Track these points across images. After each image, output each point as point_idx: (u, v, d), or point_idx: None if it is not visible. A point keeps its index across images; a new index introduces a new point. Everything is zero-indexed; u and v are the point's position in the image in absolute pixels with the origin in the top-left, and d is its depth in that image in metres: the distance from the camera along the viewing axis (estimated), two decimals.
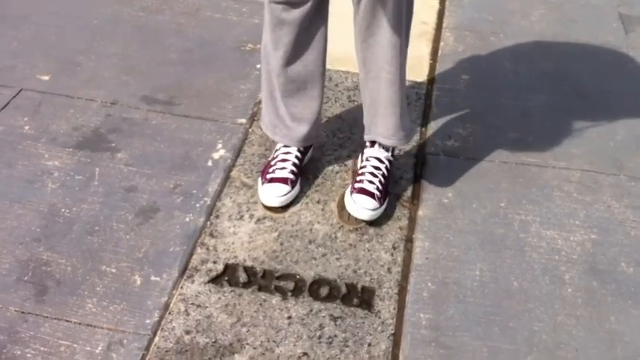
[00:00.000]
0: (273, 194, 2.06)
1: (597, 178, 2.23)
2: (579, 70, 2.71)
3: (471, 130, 2.40)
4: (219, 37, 2.82)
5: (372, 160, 2.10)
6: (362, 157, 2.14)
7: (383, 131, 2.03)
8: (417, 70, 2.67)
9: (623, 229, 2.06)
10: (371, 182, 2.04)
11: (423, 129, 2.40)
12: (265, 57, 1.98)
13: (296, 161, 2.12)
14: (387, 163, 2.10)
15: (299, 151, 2.13)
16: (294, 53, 1.91)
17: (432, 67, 2.71)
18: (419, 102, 2.51)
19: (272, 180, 2.07)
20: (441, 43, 2.84)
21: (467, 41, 2.86)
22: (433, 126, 2.41)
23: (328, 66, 2.04)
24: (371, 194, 2.02)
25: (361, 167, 2.10)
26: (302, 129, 2.07)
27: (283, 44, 1.88)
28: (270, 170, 2.09)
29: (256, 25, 2.91)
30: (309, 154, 2.22)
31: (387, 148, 2.11)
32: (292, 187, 2.08)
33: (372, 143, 2.12)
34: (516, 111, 2.49)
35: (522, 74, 2.68)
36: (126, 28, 2.86)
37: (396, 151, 2.19)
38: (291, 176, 2.09)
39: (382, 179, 2.06)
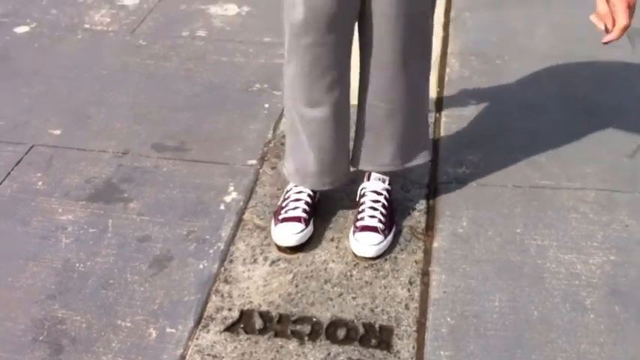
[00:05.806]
0: (289, 232, 2.03)
1: (612, 197, 2.19)
2: (587, 87, 2.69)
3: (482, 155, 2.38)
4: (228, 80, 2.84)
5: (369, 194, 2.09)
6: (359, 192, 2.14)
7: (378, 159, 2.03)
8: None
9: None
10: (372, 217, 2.03)
11: (434, 157, 2.39)
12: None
13: (309, 200, 2.11)
14: (385, 193, 2.10)
15: (312, 190, 2.13)
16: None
17: (439, 95, 2.70)
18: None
19: (285, 220, 2.06)
20: (447, 70, 2.83)
21: (472, 66, 2.85)
22: (444, 154, 2.40)
23: None
24: (374, 229, 2.01)
25: (360, 204, 2.10)
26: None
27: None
28: (283, 212, 2.09)
29: (263, 66, 2.94)
30: (318, 193, 2.21)
31: (382, 179, 2.11)
32: (306, 225, 2.06)
33: (368, 176, 2.12)
34: (526, 133, 2.47)
35: (530, 96, 2.66)
36: (135, 76, 2.90)
37: (387, 183, 2.15)
38: (304, 215, 2.07)
39: (383, 210, 2.05)
